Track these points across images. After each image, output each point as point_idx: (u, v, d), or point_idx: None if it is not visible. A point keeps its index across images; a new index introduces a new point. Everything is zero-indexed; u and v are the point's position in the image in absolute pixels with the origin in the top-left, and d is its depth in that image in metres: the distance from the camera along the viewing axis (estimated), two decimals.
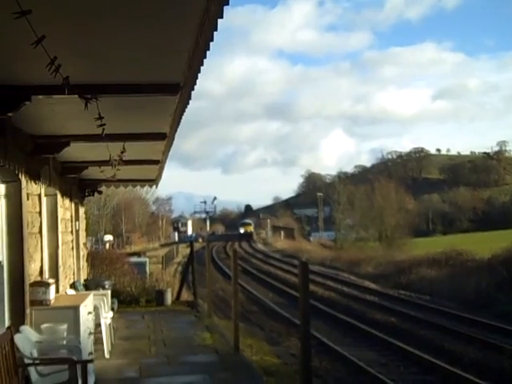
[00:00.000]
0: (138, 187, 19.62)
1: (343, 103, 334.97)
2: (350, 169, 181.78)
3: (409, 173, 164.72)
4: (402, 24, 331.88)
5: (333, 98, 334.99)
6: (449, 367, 12.06)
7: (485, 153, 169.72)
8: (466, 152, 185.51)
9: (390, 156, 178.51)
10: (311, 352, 6.93)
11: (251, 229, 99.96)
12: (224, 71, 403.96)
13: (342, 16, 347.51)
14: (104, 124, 5.48)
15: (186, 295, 18.83)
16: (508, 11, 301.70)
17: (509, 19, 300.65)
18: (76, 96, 4.87)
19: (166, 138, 8.64)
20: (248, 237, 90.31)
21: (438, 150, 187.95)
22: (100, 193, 16.80)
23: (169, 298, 17.42)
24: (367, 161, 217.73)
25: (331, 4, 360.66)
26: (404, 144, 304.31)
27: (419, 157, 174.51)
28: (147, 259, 27.06)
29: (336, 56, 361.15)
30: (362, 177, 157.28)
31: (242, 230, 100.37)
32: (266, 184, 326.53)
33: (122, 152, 8.20)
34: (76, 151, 9.60)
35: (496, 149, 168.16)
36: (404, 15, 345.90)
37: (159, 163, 11.72)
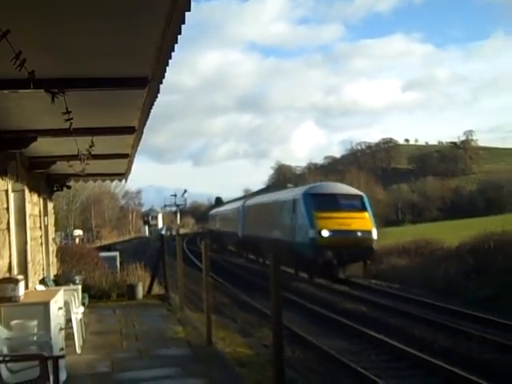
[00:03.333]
0: (108, 181, 19.49)
1: (315, 95, 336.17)
2: (320, 160, 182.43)
3: (378, 163, 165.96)
4: (373, 16, 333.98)
5: (304, 90, 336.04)
6: (419, 354, 12.25)
7: (452, 142, 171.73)
8: (433, 142, 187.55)
9: (359, 147, 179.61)
10: (283, 342, 6.98)
11: None
12: (197, 64, 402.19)
13: (314, 9, 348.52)
14: (71, 118, 5.44)
15: (157, 289, 18.77)
16: (475, 2, 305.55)
17: (476, 10, 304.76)
18: (42, 90, 4.83)
19: (134, 131, 8.60)
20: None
21: (407, 141, 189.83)
22: (69, 187, 16.65)
23: (140, 292, 17.35)
24: (338, 152, 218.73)
25: None
26: (374, 135, 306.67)
27: (388, 147, 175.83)
28: (118, 253, 26.90)
29: (308, 48, 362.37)
30: (332, 168, 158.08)
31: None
32: (237, 176, 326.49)
33: (91, 146, 8.14)
34: (44, 146, 9.51)
35: (463, 138, 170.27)
36: (374, 8, 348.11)
37: (128, 157, 11.66)
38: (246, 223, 42.54)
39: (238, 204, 49.64)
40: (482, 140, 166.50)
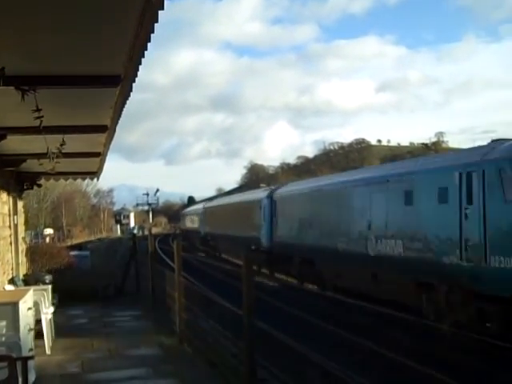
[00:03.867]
0: (79, 180, 19.32)
1: (288, 95, 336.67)
2: (293, 160, 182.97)
3: (351, 163, 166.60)
4: (346, 17, 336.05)
5: (278, 90, 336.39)
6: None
7: (423, 143, 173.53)
8: (405, 143, 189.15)
9: (332, 147, 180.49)
10: (255, 342, 6.98)
11: None
12: (170, 63, 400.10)
13: (288, 9, 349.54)
14: (42, 116, 5.38)
15: (129, 288, 18.65)
16: (446, 6, 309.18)
17: (448, 13, 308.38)
18: (13, 88, 4.77)
19: (106, 130, 8.53)
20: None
21: (379, 141, 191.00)
22: (39, 186, 16.44)
23: (112, 292, 17.22)
24: (311, 152, 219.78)
25: None
26: (347, 135, 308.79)
27: (361, 147, 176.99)
28: (89, 252, 26.68)
29: (282, 48, 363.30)
30: (304, 167, 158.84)
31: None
32: (210, 175, 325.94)
33: (62, 145, 8.06)
34: (13, 144, 9.38)
35: (434, 140, 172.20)
36: (348, 9, 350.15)
37: (100, 155, 11.57)
38: (207, 222, 47.37)
39: (201, 205, 53.94)
40: (453, 141, 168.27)
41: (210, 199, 68.07)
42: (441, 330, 13.97)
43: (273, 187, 32.04)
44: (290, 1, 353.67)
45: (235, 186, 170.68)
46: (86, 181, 20.54)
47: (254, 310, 6.88)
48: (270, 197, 28.70)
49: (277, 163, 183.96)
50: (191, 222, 59.61)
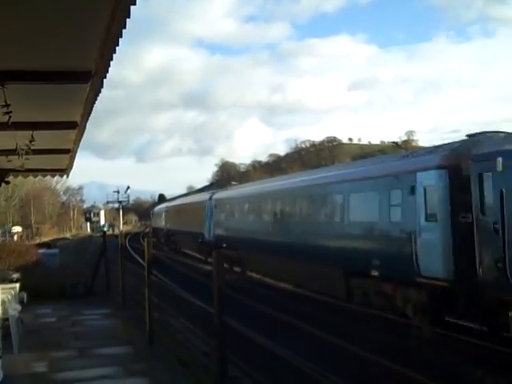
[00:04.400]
0: (49, 177, 19.07)
1: (260, 93, 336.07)
2: (264, 158, 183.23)
3: (322, 161, 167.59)
4: (319, 16, 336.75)
5: (250, 88, 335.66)
6: None
7: (394, 142, 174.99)
8: (376, 141, 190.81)
9: (303, 145, 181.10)
10: (226, 340, 6.97)
11: None
12: (142, 60, 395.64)
13: (261, 7, 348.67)
14: (10, 112, 5.30)
15: (99, 287, 18.49)
16: (418, 6, 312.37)
17: (418, 13, 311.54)
18: None
19: (77, 126, 8.43)
20: None
21: (350, 140, 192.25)
22: (7, 183, 16.17)
23: (81, 290, 17.06)
24: (282, 150, 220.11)
25: None
26: (319, 133, 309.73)
27: (332, 146, 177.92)
28: (58, 250, 26.39)
29: (254, 46, 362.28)
30: (276, 165, 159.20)
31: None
32: (181, 173, 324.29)
33: (31, 141, 7.94)
34: None
35: (404, 138, 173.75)
36: (321, 7, 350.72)
37: (70, 152, 11.43)
38: (169, 220, 52.71)
39: (166, 204, 59.22)
40: (423, 140, 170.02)
41: (174, 199, 70.62)
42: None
43: (214, 191, 39.77)
44: None
45: (206, 183, 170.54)
46: (56, 178, 20.36)
47: (225, 308, 6.87)
48: (210, 199, 35.70)
49: (248, 161, 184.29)
50: (159, 220, 61.72)
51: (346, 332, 14.40)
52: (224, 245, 30.32)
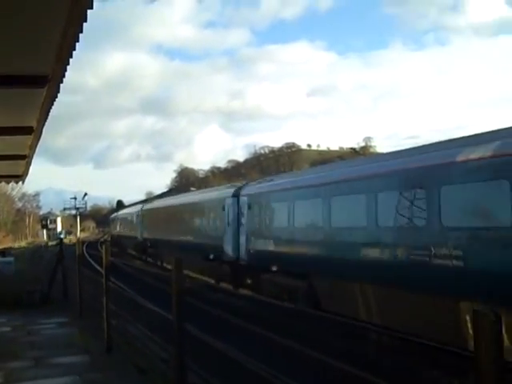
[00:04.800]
0: (3, 183, 18.72)
1: (219, 99, 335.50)
2: (223, 164, 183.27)
3: (281, 167, 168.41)
4: (278, 23, 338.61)
5: (209, 94, 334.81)
6: None
7: (352, 148, 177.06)
8: (335, 147, 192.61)
9: (262, 151, 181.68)
10: (185, 347, 6.93)
11: None
12: (101, 65, 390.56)
13: (220, 13, 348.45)
14: None
15: (55, 295, 18.20)
16: (375, 13, 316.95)
17: (375, 21, 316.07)
18: None
19: (33, 132, 8.30)
20: None
21: (309, 146, 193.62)
22: None
23: (37, 299, 16.76)
24: (242, 156, 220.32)
25: (211, 0, 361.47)
26: (278, 139, 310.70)
27: (291, 152, 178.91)
28: (13, 258, 25.87)
29: (214, 52, 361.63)
30: (235, 171, 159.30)
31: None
32: (139, 179, 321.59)
33: None
34: None
35: (362, 144, 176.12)
36: (280, 14, 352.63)
37: (26, 158, 11.25)
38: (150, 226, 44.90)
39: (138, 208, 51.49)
40: (380, 146, 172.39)
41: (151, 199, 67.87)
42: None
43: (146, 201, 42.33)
44: (223, 5, 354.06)
45: (165, 189, 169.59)
46: (11, 184, 19.95)
47: (184, 314, 6.83)
48: (141, 209, 41.25)
49: (207, 167, 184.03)
50: (126, 227, 56.60)
51: (309, 338, 14.46)
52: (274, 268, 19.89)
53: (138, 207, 49.99)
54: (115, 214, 71.98)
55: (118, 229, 61.89)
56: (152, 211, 43.19)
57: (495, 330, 2.82)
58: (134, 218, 48.65)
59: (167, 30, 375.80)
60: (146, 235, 43.41)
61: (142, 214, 45.66)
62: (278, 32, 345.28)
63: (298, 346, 13.48)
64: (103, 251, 11.48)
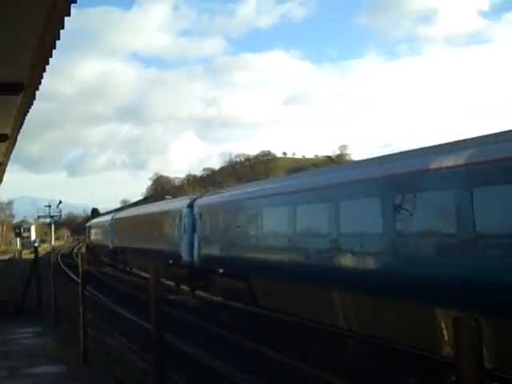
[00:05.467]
0: None
1: (195, 107, 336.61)
2: (199, 172, 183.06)
3: (257, 175, 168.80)
4: (253, 32, 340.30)
5: (185, 102, 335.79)
6: None
7: (327, 156, 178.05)
8: (310, 155, 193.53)
9: (238, 159, 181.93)
10: (164, 355, 6.88)
11: None
12: (76, 72, 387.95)
13: (196, 21, 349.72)
14: None
15: (30, 304, 17.95)
16: (350, 24, 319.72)
17: (350, 31, 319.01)
18: None
19: (7, 139, 8.22)
20: None
21: (285, 154, 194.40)
22: None
23: (11, 308, 16.53)
24: (217, 164, 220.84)
25: (186, 9, 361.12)
26: (253, 147, 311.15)
27: (267, 160, 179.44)
28: None
29: (189, 60, 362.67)
30: (210, 179, 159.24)
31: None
32: (115, 187, 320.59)
33: None
34: None
35: (338, 152, 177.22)
36: (255, 23, 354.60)
37: (0, 166, 11.12)
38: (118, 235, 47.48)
39: (109, 217, 53.95)
40: (356, 154, 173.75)
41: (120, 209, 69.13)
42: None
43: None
44: (198, 14, 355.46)
45: (140, 197, 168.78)
46: None
47: (162, 322, 6.79)
48: (111, 218, 43.62)
49: (183, 175, 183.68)
50: (99, 235, 58.03)
51: (295, 347, 14.44)
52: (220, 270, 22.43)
53: (110, 216, 52.69)
54: (90, 222, 71.63)
55: (92, 237, 62.89)
56: (121, 221, 45.62)
57: (476, 336, 2.84)
58: (106, 227, 50.96)
59: (143, 38, 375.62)
60: (115, 243, 45.65)
61: (113, 223, 48.12)
62: (254, 41, 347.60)
63: (278, 354, 13.43)
64: (79, 259, 11.38)
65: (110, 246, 47.31)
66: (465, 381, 2.84)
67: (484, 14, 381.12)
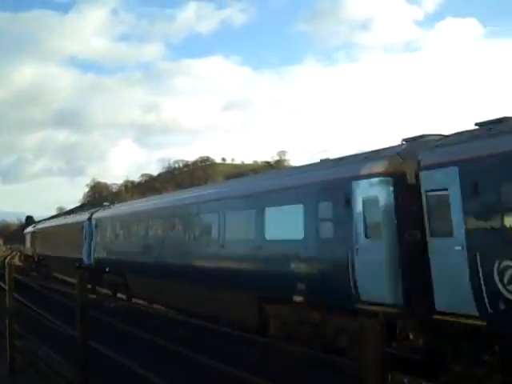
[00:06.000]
0: None
1: (134, 113, 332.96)
2: (137, 178, 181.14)
3: (196, 181, 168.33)
4: (194, 37, 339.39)
5: (124, 108, 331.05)
6: None
7: (266, 162, 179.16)
8: (249, 161, 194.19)
9: (177, 165, 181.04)
10: (91, 365, 6.66)
11: None
12: (10, 77, 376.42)
13: (135, 26, 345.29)
14: None
15: None
16: (289, 30, 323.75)
17: (289, 37, 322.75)
18: None
19: None
20: None
21: (224, 159, 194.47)
22: None
23: None
24: (156, 170, 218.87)
25: (125, 14, 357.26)
26: (193, 153, 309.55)
27: (206, 165, 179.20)
28: None
29: (128, 66, 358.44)
30: (149, 185, 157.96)
31: None
32: (51, 194, 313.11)
33: None
34: None
35: (276, 158, 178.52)
36: (195, 29, 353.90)
37: None
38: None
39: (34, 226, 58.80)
40: (295, 160, 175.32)
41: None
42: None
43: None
44: (137, 18, 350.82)
45: (77, 204, 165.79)
46: None
47: (89, 331, 6.57)
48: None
49: (121, 181, 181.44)
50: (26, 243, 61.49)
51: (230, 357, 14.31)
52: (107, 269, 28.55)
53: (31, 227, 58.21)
54: (25, 230, 70.42)
55: (26, 245, 62.88)
56: (41, 231, 51.10)
57: (380, 339, 2.97)
58: (29, 237, 55.98)
59: (81, 43, 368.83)
60: (37, 251, 50.16)
61: (34, 233, 53.37)
62: (194, 46, 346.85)
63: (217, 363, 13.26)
64: (6, 269, 10.99)
65: (32, 254, 52.45)
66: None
67: (419, 23, 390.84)
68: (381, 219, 11.63)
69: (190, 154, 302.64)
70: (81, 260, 32.13)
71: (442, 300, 10.13)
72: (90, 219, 31.93)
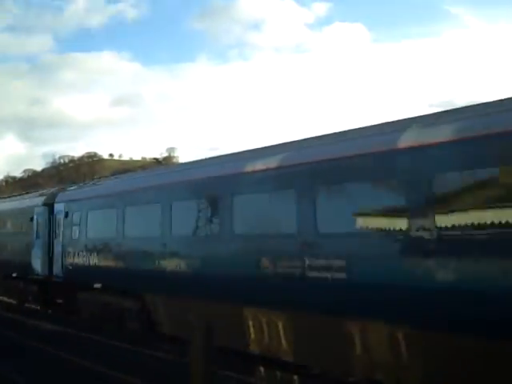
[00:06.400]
0: None
1: (18, 106, 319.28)
2: (19, 173, 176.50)
3: (82, 177, 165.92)
4: (83, 31, 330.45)
5: (7, 101, 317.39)
6: None
7: (155, 158, 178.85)
8: (138, 157, 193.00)
9: (62, 160, 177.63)
10: None
11: None
12: None
13: (21, 17, 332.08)
14: None
15: None
16: (182, 28, 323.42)
17: (180, 35, 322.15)
18: None
19: None
20: None
21: (111, 155, 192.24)
22: None
23: None
24: (40, 165, 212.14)
25: (11, 4, 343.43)
26: (80, 149, 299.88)
27: (92, 161, 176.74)
28: None
29: (13, 57, 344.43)
30: (31, 181, 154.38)
31: None
32: None
33: None
34: None
35: (165, 155, 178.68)
36: (85, 22, 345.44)
37: None
38: None
39: None
40: (183, 156, 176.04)
41: None
42: None
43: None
44: (24, 10, 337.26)
45: None
46: None
47: None
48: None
49: (1, 176, 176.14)
50: None
51: None
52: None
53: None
54: None
55: None
56: None
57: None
58: None
59: None
60: None
61: None
62: (83, 40, 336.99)
63: None
64: None
65: None
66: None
67: (309, 26, 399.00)
68: (42, 228, 21.51)
69: (77, 150, 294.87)
70: (23, 267, 21.88)
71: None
72: (48, 204, 20.80)
